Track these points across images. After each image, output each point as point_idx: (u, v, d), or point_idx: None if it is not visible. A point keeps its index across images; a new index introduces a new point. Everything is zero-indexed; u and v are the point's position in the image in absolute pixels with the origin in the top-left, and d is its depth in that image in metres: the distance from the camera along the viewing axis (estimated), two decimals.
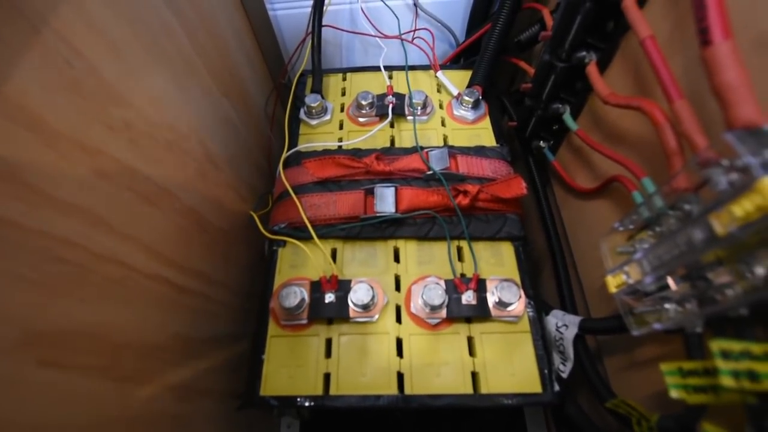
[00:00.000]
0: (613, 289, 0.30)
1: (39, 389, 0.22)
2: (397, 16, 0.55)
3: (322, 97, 0.50)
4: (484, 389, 0.34)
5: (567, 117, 0.41)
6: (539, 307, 0.38)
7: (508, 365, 0.35)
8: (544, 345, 0.36)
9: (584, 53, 0.36)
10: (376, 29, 0.55)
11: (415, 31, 0.56)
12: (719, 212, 0.20)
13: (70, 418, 0.24)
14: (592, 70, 0.35)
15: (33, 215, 0.22)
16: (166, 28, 0.36)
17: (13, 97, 0.21)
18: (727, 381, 0.21)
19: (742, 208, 0.19)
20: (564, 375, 0.37)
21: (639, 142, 0.34)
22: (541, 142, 0.48)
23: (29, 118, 0.22)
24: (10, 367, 0.20)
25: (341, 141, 0.48)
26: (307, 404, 0.33)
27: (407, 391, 0.34)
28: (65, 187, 0.24)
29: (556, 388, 0.34)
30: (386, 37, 0.55)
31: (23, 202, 0.21)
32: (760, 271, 0.20)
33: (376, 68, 0.54)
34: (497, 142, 0.47)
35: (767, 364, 0.20)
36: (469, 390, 0.34)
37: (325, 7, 0.51)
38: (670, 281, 0.27)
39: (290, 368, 0.35)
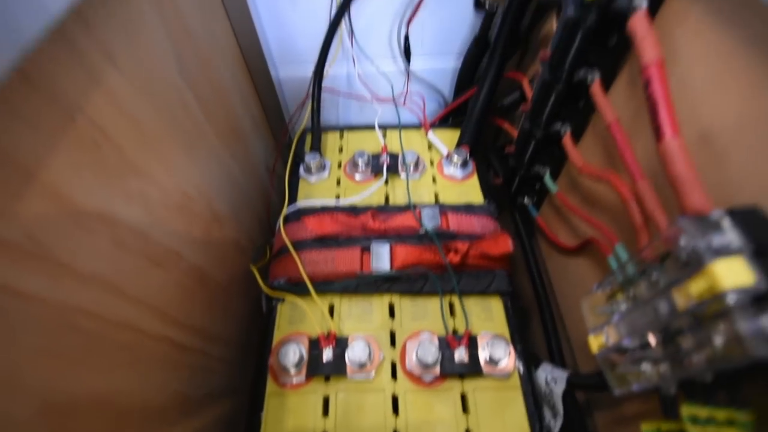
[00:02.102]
0: (595, 350, 0.32)
1: None
2: (391, 83, 0.59)
3: (321, 156, 0.53)
4: None
5: (547, 179, 0.44)
6: (529, 361, 0.40)
7: (501, 422, 0.36)
8: (535, 401, 0.37)
9: (559, 125, 0.40)
10: (372, 92, 0.59)
11: (407, 93, 0.60)
12: (679, 288, 0.23)
13: None
14: (567, 141, 0.39)
15: (56, 288, 0.23)
16: (181, 99, 0.39)
17: (48, 181, 0.23)
18: None
19: (696, 287, 0.21)
20: (555, 430, 0.38)
21: (612, 206, 0.37)
22: (525, 198, 0.51)
23: (61, 199, 0.24)
24: None
25: (338, 197, 0.50)
26: None
27: None
28: (86, 259, 0.26)
29: None
30: (381, 100, 0.59)
31: (49, 277, 0.23)
32: (718, 341, 0.23)
33: (371, 127, 0.58)
34: (485, 199, 0.50)
35: (730, 429, 0.21)
36: None
37: (324, 72, 0.55)
38: (652, 340, 0.29)
39: (288, 426, 0.36)
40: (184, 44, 0.39)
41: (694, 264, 0.22)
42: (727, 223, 0.22)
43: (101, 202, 0.27)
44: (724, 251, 0.21)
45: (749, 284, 0.19)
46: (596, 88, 0.33)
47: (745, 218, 0.21)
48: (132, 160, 0.30)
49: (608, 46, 0.32)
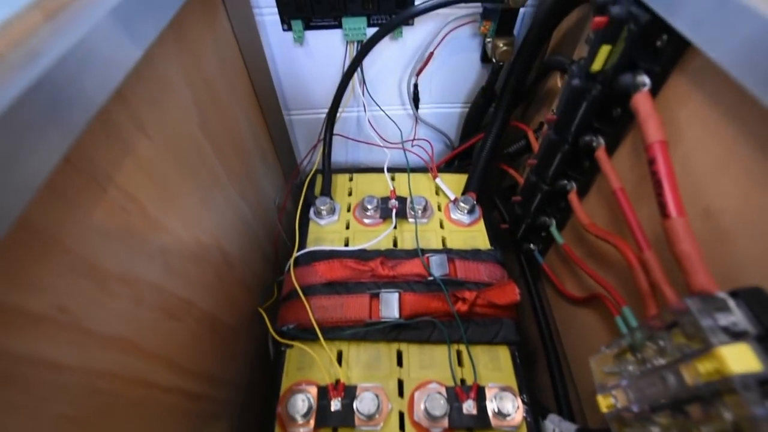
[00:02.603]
0: (604, 409, 0.32)
1: None
2: (399, 128, 0.61)
3: (331, 199, 0.54)
4: None
5: (553, 230, 0.45)
6: (536, 412, 0.40)
7: None
8: None
9: (566, 182, 0.41)
10: (380, 136, 0.61)
11: (414, 139, 0.62)
12: (687, 365, 0.24)
13: None
14: (573, 198, 0.40)
15: (80, 355, 0.24)
16: (199, 151, 0.40)
17: (79, 252, 0.24)
18: None
19: (704, 368, 0.22)
20: None
21: (618, 266, 0.38)
22: (531, 245, 0.52)
23: (90, 269, 0.24)
24: None
25: (347, 240, 0.51)
26: None
27: None
28: (108, 321, 0.26)
29: None
30: (390, 146, 0.61)
31: (75, 345, 0.23)
32: (727, 415, 0.23)
33: (380, 169, 0.60)
34: (491, 244, 0.51)
35: None
36: None
37: (336, 117, 0.57)
38: (660, 407, 0.29)
39: None
40: (205, 99, 0.41)
41: (700, 342, 0.23)
42: (732, 303, 0.22)
43: (125, 264, 0.27)
44: (730, 331, 0.22)
45: (756, 370, 0.20)
46: (601, 154, 0.35)
47: (749, 299, 0.22)
48: (154, 218, 0.31)
49: (612, 115, 0.34)
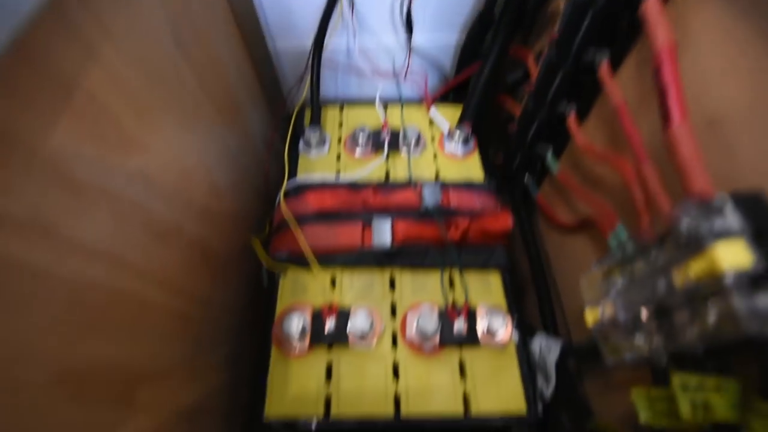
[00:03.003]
0: (590, 323, 0.34)
1: (68, 423, 0.23)
2: (392, 57, 0.58)
3: (321, 130, 0.52)
4: (474, 410, 0.37)
5: (549, 159, 0.45)
6: (524, 331, 0.42)
7: (496, 388, 0.38)
8: (529, 369, 0.39)
9: (564, 105, 0.40)
10: (372, 66, 0.58)
11: (408, 68, 0.59)
12: (678, 268, 0.24)
13: None
14: (571, 122, 0.39)
15: (64, 262, 0.23)
16: (177, 71, 0.37)
17: (50, 156, 0.22)
18: (684, 409, 0.24)
19: (695, 268, 0.22)
20: (546, 395, 0.40)
21: (614, 186, 0.38)
22: (526, 177, 0.51)
23: (63, 174, 0.23)
24: (47, 403, 0.22)
25: (339, 173, 0.50)
26: (311, 426, 0.35)
27: (404, 412, 0.36)
28: (90, 233, 0.25)
29: (540, 409, 0.38)
30: (381, 75, 0.58)
31: (56, 253, 0.23)
32: (711, 317, 0.24)
33: (371, 102, 0.58)
34: (485, 177, 0.51)
35: (719, 395, 0.23)
36: (460, 411, 0.37)
37: (324, 44, 0.54)
38: (644, 313, 0.30)
39: (292, 391, 0.37)
40: (179, 15, 0.38)
41: (694, 246, 0.23)
42: (729, 207, 0.22)
43: (102, 176, 0.27)
44: (725, 234, 0.22)
45: (747, 266, 0.21)
46: (604, 70, 0.33)
47: (747, 203, 0.22)
48: (130, 133, 0.30)
49: (618, 28, 0.32)
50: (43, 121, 0.22)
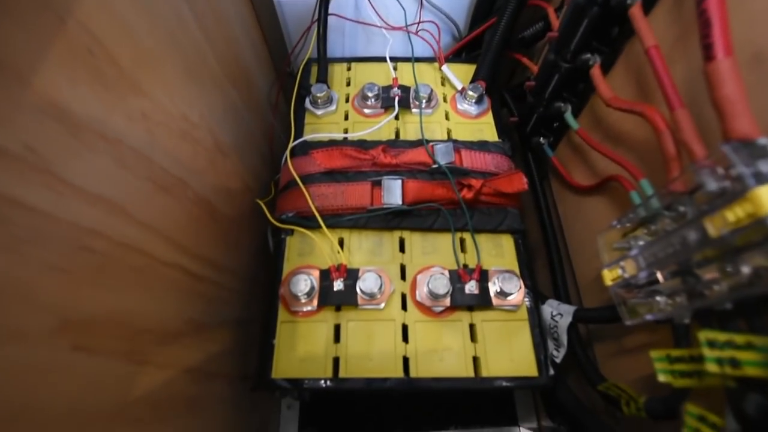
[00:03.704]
0: (608, 282, 0.32)
1: (72, 374, 0.23)
2: (403, 8, 0.55)
3: (328, 87, 0.50)
4: (484, 373, 0.36)
5: (568, 116, 0.42)
6: (536, 296, 0.41)
7: (507, 351, 0.37)
8: (541, 332, 0.38)
9: (589, 56, 0.37)
10: (382, 19, 0.55)
11: (419, 23, 0.56)
12: (713, 216, 0.22)
13: (100, 400, 0.25)
14: (596, 73, 0.36)
15: (61, 205, 0.22)
16: (177, 15, 0.35)
17: (42, 88, 0.21)
18: (711, 367, 0.23)
19: (734, 214, 0.20)
20: (557, 360, 0.40)
21: (638, 143, 0.35)
22: (541, 138, 0.49)
23: (58, 110, 0.22)
24: (48, 353, 0.21)
25: (347, 132, 0.48)
26: (319, 386, 0.35)
27: (412, 374, 0.36)
28: (90, 177, 0.24)
29: (551, 372, 0.37)
30: (392, 28, 0.55)
31: (54, 193, 0.22)
32: (745, 270, 0.22)
33: (381, 59, 0.55)
34: (499, 137, 0.49)
35: (748, 352, 0.22)
36: (471, 373, 0.36)
37: None
38: (660, 276, 0.29)
39: (300, 352, 0.37)
40: None
41: (733, 191, 0.22)
42: None
43: (100, 117, 0.25)
44: None
45: None
46: (636, 11, 0.31)
47: None
48: (129, 76, 0.28)
49: None
50: (35, 47, 0.21)
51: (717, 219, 0.22)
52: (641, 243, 0.30)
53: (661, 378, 0.28)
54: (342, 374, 0.36)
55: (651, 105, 0.30)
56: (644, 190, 0.31)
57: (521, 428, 0.58)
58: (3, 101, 0.19)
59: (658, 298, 0.29)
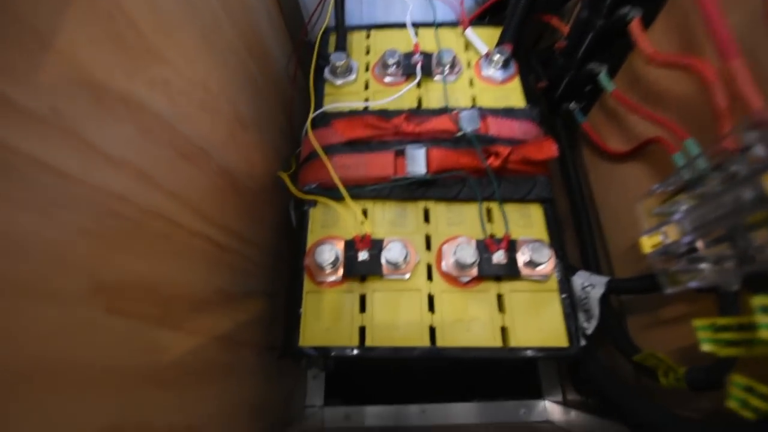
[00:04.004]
0: (647, 250, 0.31)
1: (107, 334, 0.23)
2: None
3: (347, 56, 0.48)
4: (513, 343, 0.35)
5: (603, 77, 0.40)
6: (567, 267, 0.39)
7: (536, 321, 0.36)
8: (572, 303, 0.37)
9: (627, 9, 0.35)
10: None
11: None
12: None
13: (134, 362, 0.25)
14: (635, 27, 0.34)
15: (89, 169, 0.22)
16: None
17: (66, 51, 0.21)
18: (766, 334, 0.21)
19: None
20: (588, 332, 0.39)
21: (680, 102, 0.33)
22: (572, 103, 0.47)
23: (80, 73, 0.22)
24: (84, 313, 0.22)
25: (368, 101, 0.47)
26: (346, 354, 0.35)
27: (439, 343, 0.35)
28: (115, 142, 0.24)
29: (582, 342, 0.36)
30: None
31: (81, 156, 0.22)
32: None
33: (401, 25, 0.53)
34: (527, 104, 0.46)
35: None
36: (499, 343, 0.35)
37: None
38: (699, 245, 0.27)
39: (326, 321, 0.37)
40: None
41: None
42: None
43: (123, 83, 0.25)
44: None
45: None
46: None
47: None
48: (150, 42, 0.28)
49: None
50: (57, 9, 0.20)
51: None
52: (684, 207, 0.29)
53: (705, 347, 0.26)
54: (368, 343, 0.36)
55: (697, 57, 0.28)
56: (689, 150, 0.29)
57: (546, 401, 0.58)
58: (25, 62, 0.19)
59: (702, 265, 0.28)
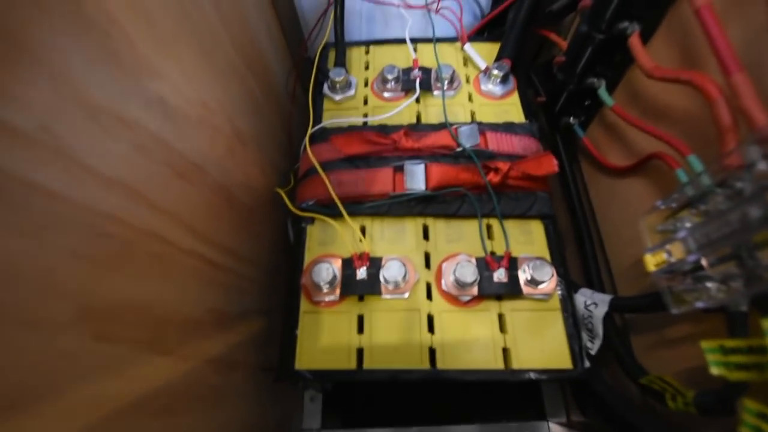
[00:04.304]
0: (651, 268, 0.30)
1: (95, 363, 0.23)
2: None
3: (347, 72, 0.48)
4: (515, 365, 0.34)
5: (602, 92, 0.40)
6: (569, 285, 0.38)
7: (539, 342, 0.35)
8: (575, 323, 0.36)
9: (626, 24, 0.35)
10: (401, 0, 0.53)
11: (440, 0, 0.54)
12: None
13: (121, 390, 0.24)
14: (635, 41, 0.34)
15: (80, 189, 0.22)
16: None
17: (58, 68, 0.20)
18: None
19: None
20: (592, 352, 0.38)
21: (681, 118, 0.33)
22: (572, 118, 0.47)
23: (73, 90, 0.21)
24: (70, 342, 0.21)
25: (366, 117, 0.47)
26: (343, 377, 0.34)
27: (439, 366, 0.34)
28: (108, 161, 0.24)
29: (587, 364, 0.35)
30: (411, 7, 0.53)
31: (68, 175, 0.21)
32: None
33: (400, 41, 0.53)
34: (526, 119, 0.46)
35: None
36: (501, 365, 0.34)
37: None
38: (704, 262, 0.26)
39: (323, 343, 0.36)
40: None
41: None
42: None
43: (117, 100, 0.25)
44: None
45: None
46: None
47: None
48: (146, 58, 0.27)
49: None
50: (50, 25, 0.20)
51: None
52: (688, 225, 0.28)
53: (714, 371, 0.25)
54: (366, 365, 0.35)
55: (699, 72, 0.27)
56: (693, 166, 0.28)
57: (550, 423, 0.56)
58: (15, 78, 0.18)
59: (708, 284, 0.27)
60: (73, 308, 0.21)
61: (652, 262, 0.30)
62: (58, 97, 0.20)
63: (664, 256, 0.29)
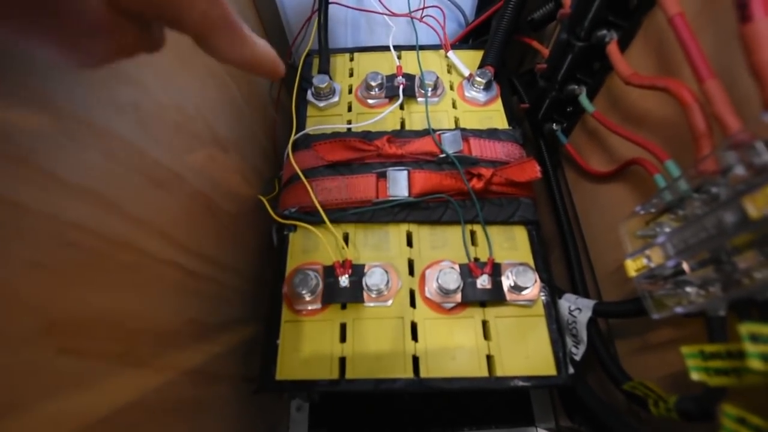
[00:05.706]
0: (632, 273, 0.30)
1: (60, 377, 0.22)
2: None
3: (330, 78, 0.48)
4: (499, 372, 0.34)
5: (583, 98, 0.40)
6: (553, 290, 0.38)
7: (523, 349, 0.35)
8: (559, 328, 0.36)
9: (605, 32, 0.35)
10: (384, 6, 0.53)
11: (424, 8, 0.54)
12: (754, 195, 0.20)
13: (91, 406, 0.24)
14: (612, 49, 0.34)
15: (45, 199, 0.21)
16: None
17: (21, 75, 0.20)
18: (755, 364, 0.21)
19: None
20: (577, 358, 0.37)
21: (659, 123, 0.33)
22: (554, 124, 0.47)
23: (39, 97, 0.21)
24: (32, 356, 0.20)
25: (350, 123, 0.47)
26: (325, 387, 0.33)
27: (423, 374, 0.34)
28: (75, 169, 0.23)
29: (571, 370, 0.35)
30: (395, 15, 0.53)
31: (35, 186, 0.21)
32: None
33: (384, 48, 0.53)
34: (509, 125, 0.46)
35: None
36: (485, 373, 0.34)
37: None
38: (685, 266, 0.26)
39: (305, 352, 0.35)
40: None
41: None
42: None
43: (86, 106, 0.24)
44: None
45: None
46: None
47: None
48: (118, 65, 0.27)
49: None
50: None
51: (759, 197, 0.20)
52: (667, 230, 0.28)
53: (695, 376, 0.25)
54: (349, 375, 0.34)
55: (676, 79, 0.28)
56: (670, 171, 0.28)
57: (538, 428, 0.56)
58: None
59: (688, 289, 0.27)
60: (35, 321, 0.20)
61: (632, 267, 0.30)
62: (17, 101, 0.20)
63: (644, 261, 0.29)
